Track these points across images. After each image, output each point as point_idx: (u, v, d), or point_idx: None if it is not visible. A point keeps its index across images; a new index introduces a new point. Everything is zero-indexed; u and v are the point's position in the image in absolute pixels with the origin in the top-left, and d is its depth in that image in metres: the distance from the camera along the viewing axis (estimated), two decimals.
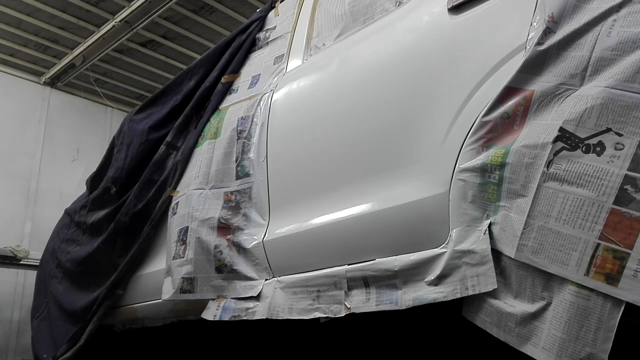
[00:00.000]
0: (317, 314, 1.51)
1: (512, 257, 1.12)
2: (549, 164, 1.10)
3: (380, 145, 1.49)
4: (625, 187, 0.98)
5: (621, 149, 1.01)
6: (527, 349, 1.09)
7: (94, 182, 2.71)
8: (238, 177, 1.87)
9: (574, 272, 1.02)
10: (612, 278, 0.97)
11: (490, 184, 1.21)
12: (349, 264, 1.47)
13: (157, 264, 2.12)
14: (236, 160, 1.89)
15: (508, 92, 1.22)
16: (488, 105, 1.24)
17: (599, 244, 0.99)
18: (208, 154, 1.98)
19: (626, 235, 0.97)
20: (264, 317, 1.60)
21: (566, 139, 1.08)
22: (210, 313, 1.75)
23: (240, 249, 1.76)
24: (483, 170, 1.21)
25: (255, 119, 1.90)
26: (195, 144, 2.11)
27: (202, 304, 1.82)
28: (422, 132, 1.40)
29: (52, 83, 5.06)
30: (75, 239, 2.68)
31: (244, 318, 1.66)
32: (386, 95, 1.51)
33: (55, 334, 2.53)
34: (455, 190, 1.27)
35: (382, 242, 1.43)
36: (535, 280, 1.09)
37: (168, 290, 1.88)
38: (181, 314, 2.01)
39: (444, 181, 1.30)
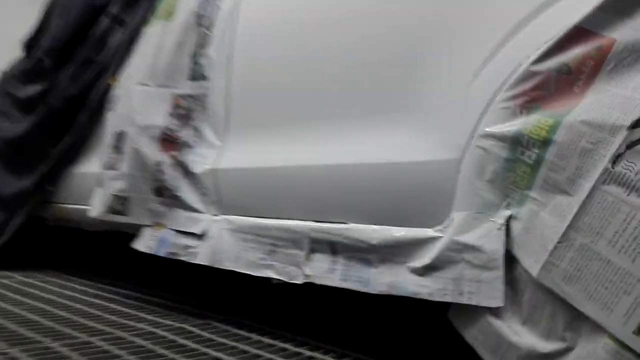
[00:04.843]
0: (269, 273, 1.22)
1: (534, 275, 0.82)
2: (616, 158, 0.75)
3: (381, 72, 1.10)
4: None
5: None
6: None
7: (30, 48, 2.25)
8: (192, 78, 1.47)
9: (618, 324, 0.72)
10: None
11: (521, 163, 0.87)
12: (315, 221, 1.17)
13: (92, 164, 1.78)
14: (191, 55, 1.47)
15: (576, 34, 0.83)
16: (542, 49, 0.86)
17: None
18: (157, 40, 1.54)
19: None
20: (204, 263, 1.32)
21: None
22: (143, 243, 1.46)
23: (186, 171, 1.43)
24: (516, 141, 0.86)
25: (221, 4, 1.45)
26: (142, 22, 1.65)
27: (138, 225, 1.52)
28: (437, 66, 1.02)
29: None
30: (6, 111, 2.28)
31: (182, 258, 1.37)
32: (398, 3, 1.09)
33: None
34: (471, 160, 0.93)
35: (360, 203, 1.11)
36: (557, 312, 0.80)
37: (96, 207, 1.56)
38: (115, 228, 1.72)
39: (456, 143, 0.95)
